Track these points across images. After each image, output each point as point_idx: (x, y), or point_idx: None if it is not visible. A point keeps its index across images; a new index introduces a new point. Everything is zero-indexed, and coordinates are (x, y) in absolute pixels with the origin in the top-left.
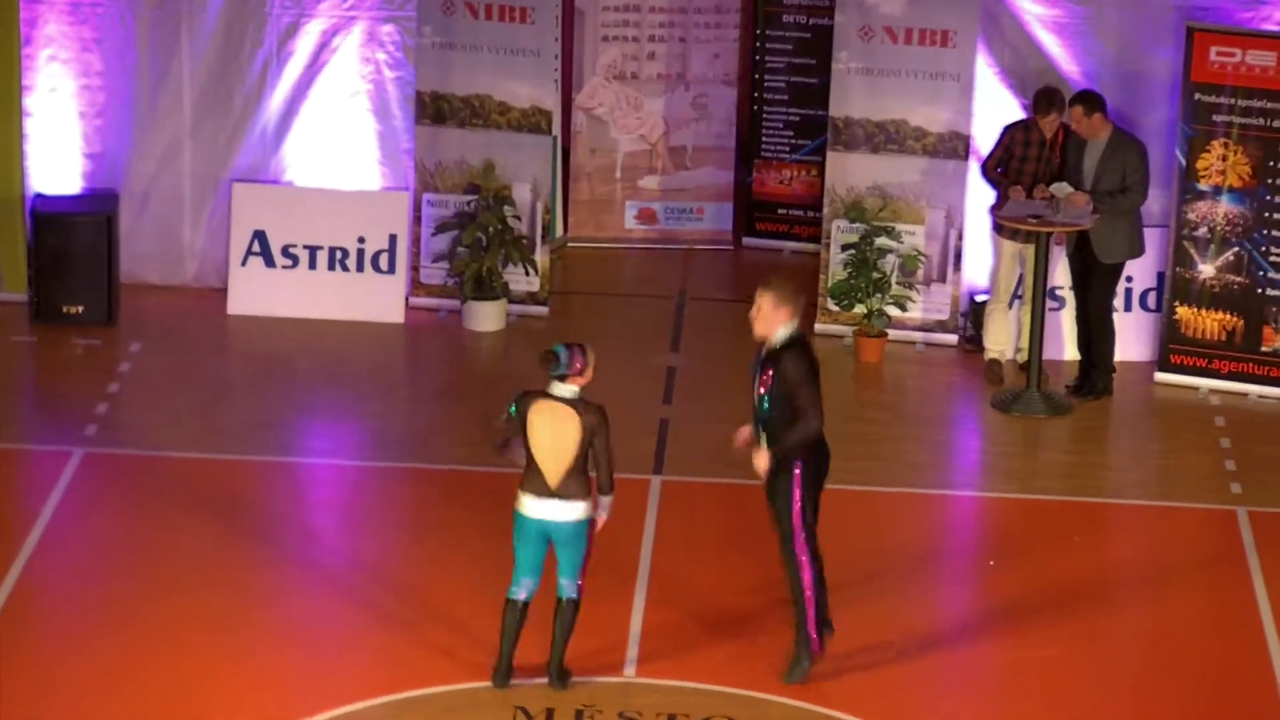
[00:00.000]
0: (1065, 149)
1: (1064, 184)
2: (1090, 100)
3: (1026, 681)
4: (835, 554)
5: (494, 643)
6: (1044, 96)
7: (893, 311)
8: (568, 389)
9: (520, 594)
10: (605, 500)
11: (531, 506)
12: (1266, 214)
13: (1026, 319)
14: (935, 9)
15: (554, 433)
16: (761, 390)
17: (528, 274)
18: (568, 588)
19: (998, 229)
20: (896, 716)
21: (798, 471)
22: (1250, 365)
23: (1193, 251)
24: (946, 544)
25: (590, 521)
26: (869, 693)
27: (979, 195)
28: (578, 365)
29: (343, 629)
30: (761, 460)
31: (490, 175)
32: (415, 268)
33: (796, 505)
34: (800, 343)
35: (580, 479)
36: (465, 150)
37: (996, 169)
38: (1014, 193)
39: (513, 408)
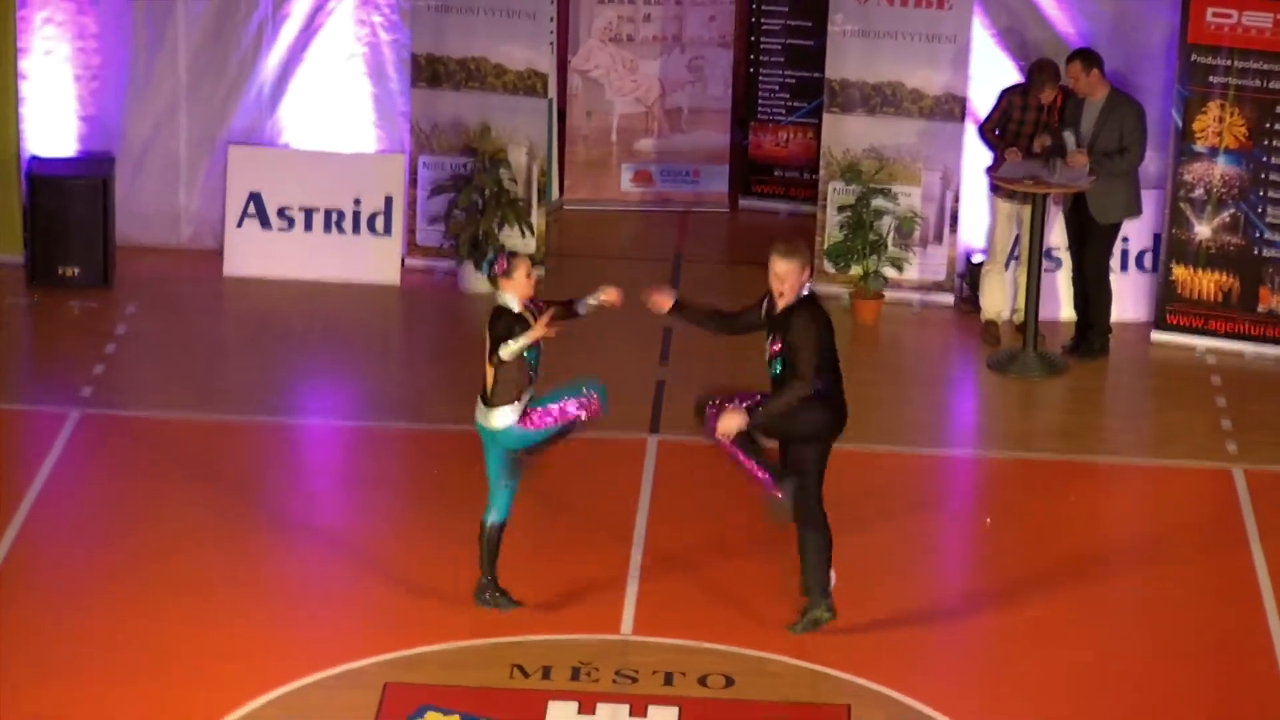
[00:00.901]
0: (1064, 109)
1: (1071, 134)
2: (1088, 57)
3: (1022, 642)
4: (832, 513)
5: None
6: (1038, 69)
7: (889, 273)
8: (502, 295)
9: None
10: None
11: (477, 414)
12: (1263, 175)
13: (1023, 280)
14: None
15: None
16: (776, 351)
17: (524, 236)
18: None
19: (994, 190)
20: (891, 675)
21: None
22: (1246, 325)
23: (1189, 212)
24: (943, 503)
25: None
26: (864, 652)
27: (975, 157)
28: (498, 267)
29: (340, 589)
30: (733, 420)
31: (486, 137)
32: (411, 229)
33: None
34: (810, 303)
35: (497, 386)
36: (461, 112)
37: (994, 131)
38: (1011, 154)
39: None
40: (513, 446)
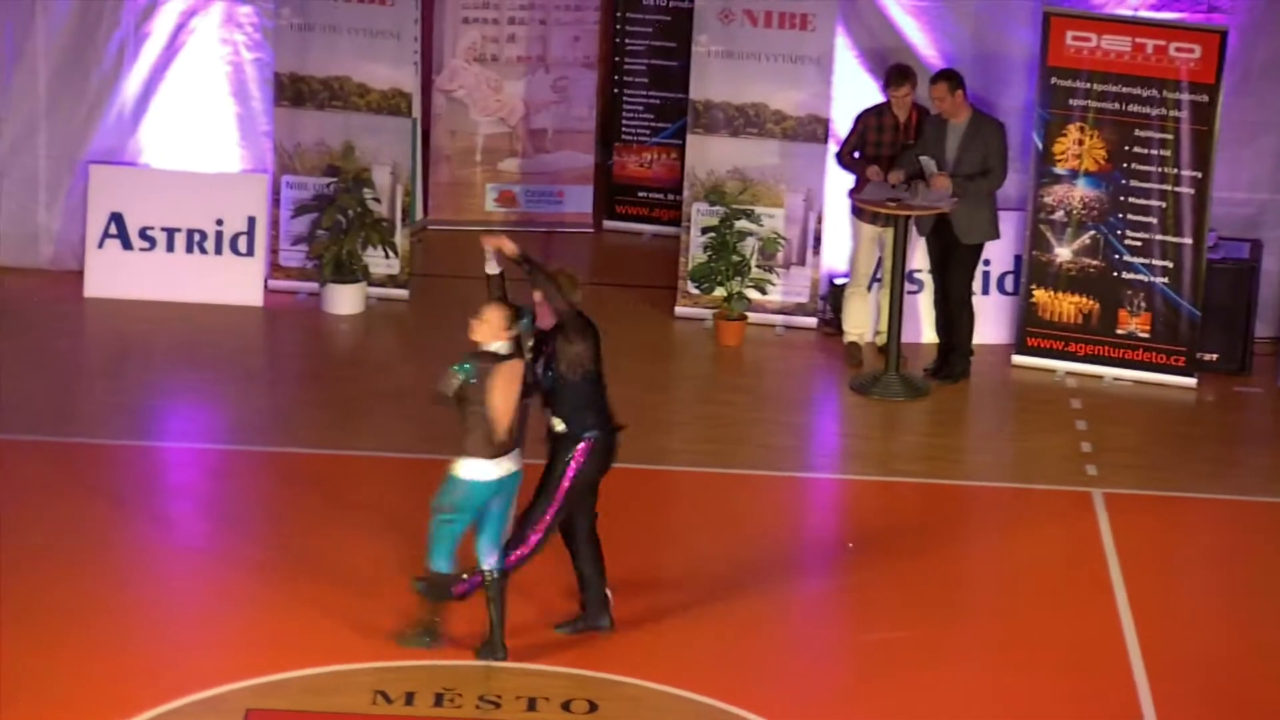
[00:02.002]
0: (923, 130)
1: (931, 160)
2: (952, 78)
3: (880, 664)
4: (692, 536)
5: (351, 625)
6: (897, 70)
7: (752, 294)
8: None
9: None
10: None
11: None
12: (1122, 198)
13: (885, 302)
14: None
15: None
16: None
17: (388, 257)
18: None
19: (857, 213)
20: (748, 697)
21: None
22: (1106, 348)
23: (1049, 235)
24: (805, 527)
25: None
26: (723, 675)
27: (838, 179)
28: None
29: (201, 613)
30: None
31: (350, 157)
32: (274, 250)
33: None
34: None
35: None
36: (324, 132)
37: (852, 155)
38: (871, 172)
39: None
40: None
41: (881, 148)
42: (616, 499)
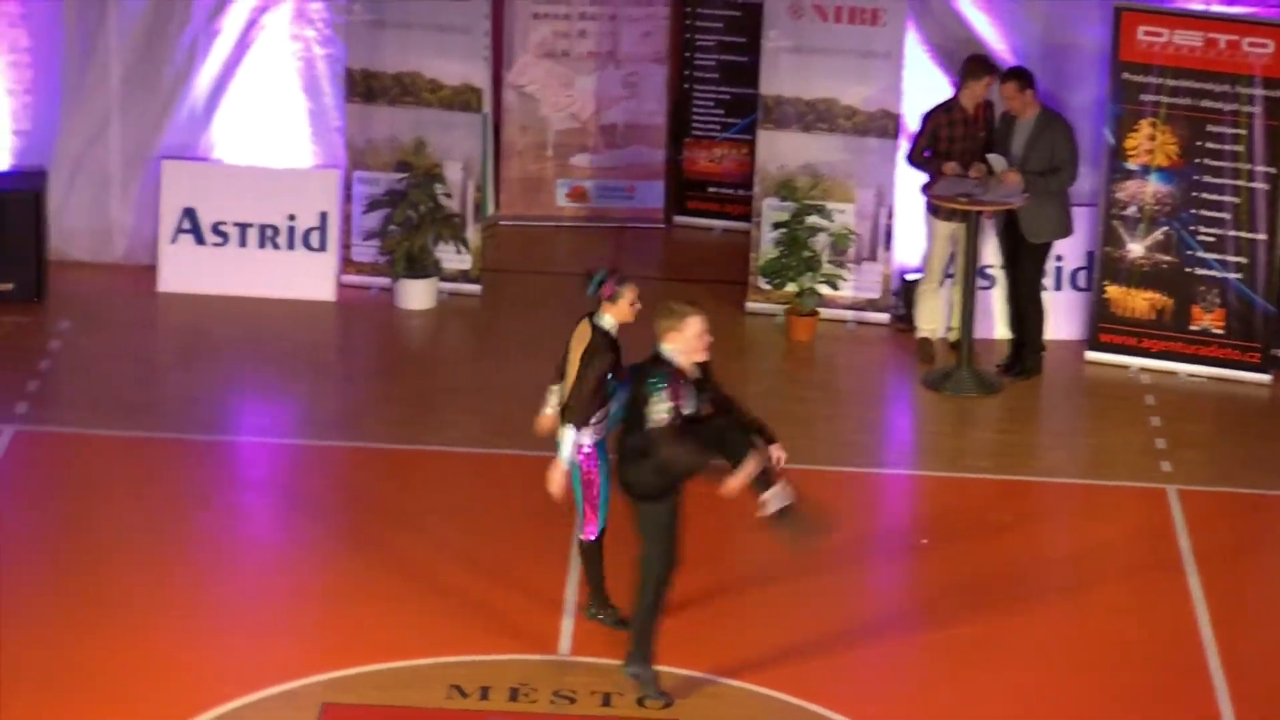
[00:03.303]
0: (995, 127)
1: (999, 157)
2: (1022, 76)
3: (955, 661)
4: (766, 532)
5: (425, 620)
6: (978, 60)
7: (824, 290)
8: (600, 315)
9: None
10: (566, 433)
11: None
12: (1194, 193)
13: (958, 298)
14: None
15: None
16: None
17: (459, 252)
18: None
19: (933, 210)
20: (826, 694)
21: None
22: (1180, 344)
23: (1122, 231)
24: (878, 523)
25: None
26: (799, 672)
27: (909, 173)
28: (605, 290)
29: (276, 608)
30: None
31: (421, 153)
32: (346, 245)
33: None
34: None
35: (570, 403)
36: (396, 128)
37: (922, 153)
38: (948, 168)
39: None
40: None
41: (954, 142)
42: (689, 495)
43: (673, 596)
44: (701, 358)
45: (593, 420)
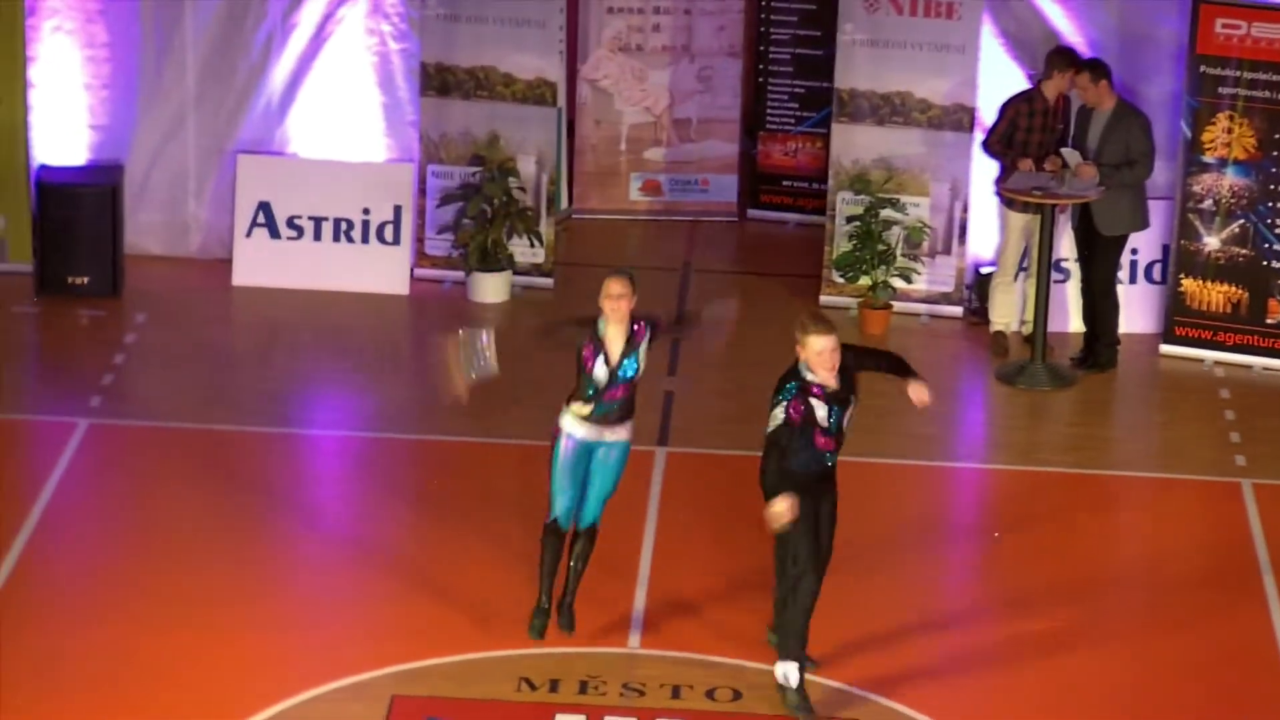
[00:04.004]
0: (1075, 118)
1: (1074, 151)
2: (1097, 68)
3: (1030, 656)
4: (841, 525)
5: (495, 613)
6: (1063, 54)
7: (898, 283)
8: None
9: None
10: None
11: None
12: (1272, 186)
13: (1032, 291)
14: None
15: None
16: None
17: (532, 245)
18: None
19: (1007, 203)
20: (898, 689)
21: None
22: (1255, 338)
23: (1198, 224)
24: (952, 516)
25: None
26: (871, 665)
27: (983, 167)
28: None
29: (347, 600)
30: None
31: (495, 147)
32: (420, 239)
33: None
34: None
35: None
36: (470, 122)
37: (1001, 143)
38: (1023, 164)
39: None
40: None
41: (1033, 133)
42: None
43: (735, 586)
44: (824, 377)
45: (571, 403)
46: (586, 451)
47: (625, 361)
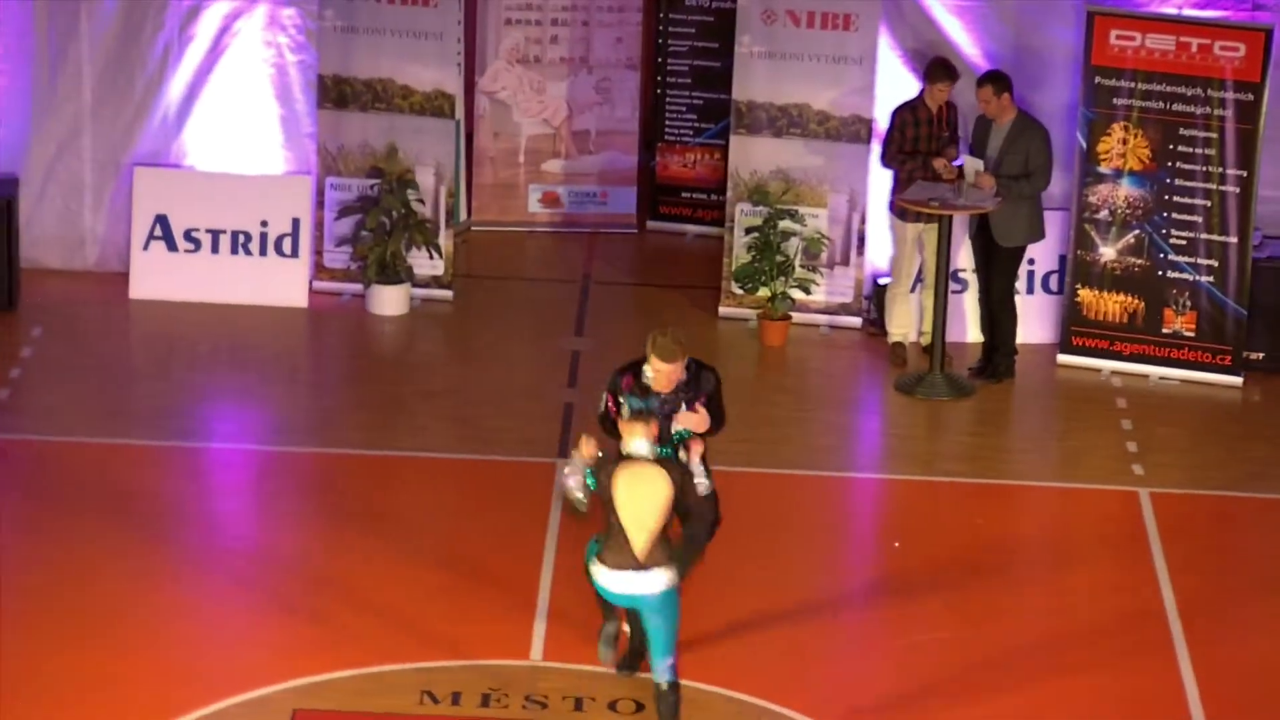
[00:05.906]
0: (974, 128)
1: (977, 160)
2: (999, 80)
3: (927, 663)
4: (739, 536)
5: (397, 626)
6: (940, 64)
7: (796, 294)
8: (645, 445)
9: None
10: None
11: (615, 580)
12: (1166, 197)
13: (929, 302)
14: None
15: (644, 497)
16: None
17: (431, 258)
18: (662, 670)
19: (899, 214)
20: (797, 698)
21: None
22: (1151, 347)
23: (1094, 234)
24: (850, 526)
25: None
26: (772, 675)
27: (881, 178)
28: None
29: (248, 614)
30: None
31: (393, 159)
32: (318, 252)
33: None
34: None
35: (664, 544)
36: (368, 134)
37: (898, 152)
38: (939, 164)
39: (590, 480)
40: None
41: (919, 142)
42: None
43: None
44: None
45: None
46: None
47: None
